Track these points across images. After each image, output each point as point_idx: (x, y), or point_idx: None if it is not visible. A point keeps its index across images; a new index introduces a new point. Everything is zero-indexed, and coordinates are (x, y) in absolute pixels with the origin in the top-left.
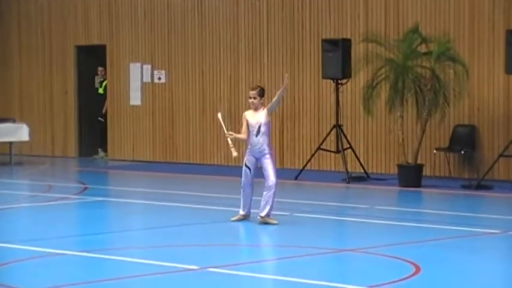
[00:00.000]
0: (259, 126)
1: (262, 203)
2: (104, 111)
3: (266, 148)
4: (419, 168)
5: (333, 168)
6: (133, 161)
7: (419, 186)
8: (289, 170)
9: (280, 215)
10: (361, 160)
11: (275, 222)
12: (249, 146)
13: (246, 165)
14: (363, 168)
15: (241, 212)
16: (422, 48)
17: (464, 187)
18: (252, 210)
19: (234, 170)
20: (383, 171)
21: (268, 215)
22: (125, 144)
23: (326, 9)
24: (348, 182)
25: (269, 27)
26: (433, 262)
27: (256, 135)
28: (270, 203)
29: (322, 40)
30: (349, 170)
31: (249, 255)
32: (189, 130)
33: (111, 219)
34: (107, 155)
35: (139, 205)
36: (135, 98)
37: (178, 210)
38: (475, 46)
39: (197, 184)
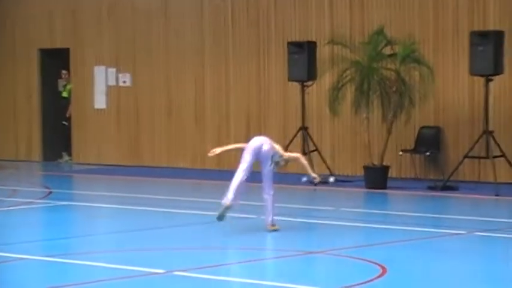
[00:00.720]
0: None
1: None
2: (67, 114)
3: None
4: (385, 169)
5: (299, 171)
6: (98, 164)
7: (385, 187)
8: (256, 173)
9: (246, 218)
10: (327, 162)
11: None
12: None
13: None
14: (329, 170)
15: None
16: (388, 50)
17: (430, 188)
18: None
19: (200, 173)
20: (349, 173)
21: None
22: (90, 148)
23: (291, 12)
24: (315, 184)
25: (234, 30)
26: (400, 263)
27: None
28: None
29: (288, 42)
30: (315, 172)
31: (215, 258)
32: (155, 133)
33: (75, 224)
34: (71, 159)
35: (105, 209)
36: (100, 102)
37: (144, 214)
38: (440, 48)
39: (163, 187)
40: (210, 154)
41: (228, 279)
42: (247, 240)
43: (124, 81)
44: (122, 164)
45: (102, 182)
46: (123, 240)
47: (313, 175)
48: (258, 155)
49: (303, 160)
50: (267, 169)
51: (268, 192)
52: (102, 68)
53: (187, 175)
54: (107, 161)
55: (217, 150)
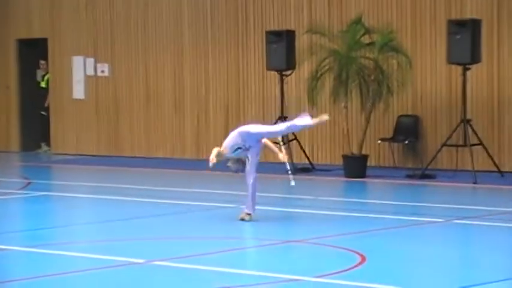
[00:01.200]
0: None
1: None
2: (46, 105)
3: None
4: (364, 158)
5: (278, 160)
6: (77, 154)
7: (364, 176)
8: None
9: (226, 207)
10: (307, 151)
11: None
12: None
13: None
14: (308, 160)
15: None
16: (366, 39)
17: (409, 177)
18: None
19: (179, 162)
20: (328, 162)
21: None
22: (68, 138)
23: (270, 1)
24: (294, 174)
25: (213, 20)
26: (379, 251)
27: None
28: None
29: (266, 32)
30: (295, 161)
31: (195, 248)
32: (134, 123)
33: (55, 214)
34: (50, 149)
35: (84, 199)
36: (78, 92)
37: (124, 204)
38: (418, 37)
39: (142, 177)
40: (211, 163)
41: (208, 268)
42: (227, 229)
43: (102, 71)
44: (100, 154)
45: (81, 172)
46: (102, 230)
47: (280, 154)
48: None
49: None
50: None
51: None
52: (81, 58)
53: (167, 165)
54: (85, 151)
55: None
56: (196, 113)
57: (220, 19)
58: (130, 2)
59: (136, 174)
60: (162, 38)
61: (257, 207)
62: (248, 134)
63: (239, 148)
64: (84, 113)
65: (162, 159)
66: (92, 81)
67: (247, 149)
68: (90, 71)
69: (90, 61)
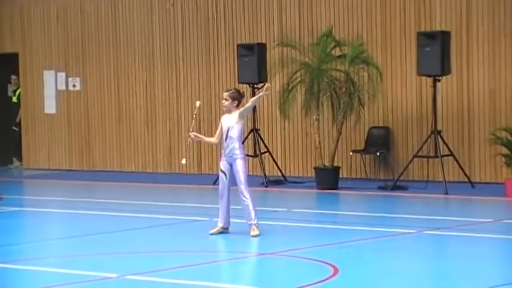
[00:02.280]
0: (228, 130)
1: (246, 212)
2: (17, 120)
3: (236, 152)
4: (335, 170)
5: (251, 172)
6: (49, 169)
7: (336, 188)
8: (208, 175)
9: (199, 220)
10: (279, 163)
11: (255, 233)
12: (222, 151)
13: (221, 170)
14: (281, 172)
15: (219, 224)
16: (337, 52)
17: (380, 188)
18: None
19: (152, 176)
20: (300, 174)
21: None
22: (40, 153)
23: (240, 14)
24: (266, 186)
25: (184, 33)
26: (351, 263)
27: (225, 139)
28: (252, 210)
29: (237, 45)
30: (267, 173)
31: (168, 262)
32: (106, 137)
33: (26, 229)
34: (21, 164)
35: (56, 214)
36: (50, 106)
37: (96, 219)
38: (388, 49)
39: (115, 191)
40: (190, 136)
41: (181, 282)
42: (199, 242)
43: (74, 86)
44: (73, 168)
45: (53, 186)
46: (75, 245)
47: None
48: None
49: (259, 96)
50: (235, 164)
51: (239, 186)
52: (52, 72)
53: (139, 179)
54: (57, 166)
55: (193, 135)
56: (168, 127)
57: (191, 33)
58: (101, 16)
59: (108, 188)
60: (133, 52)
61: (231, 220)
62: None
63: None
64: (56, 127)
65: (134, 173)
66: (63, 96)
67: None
68: (62, 86)
69: (62, 75)
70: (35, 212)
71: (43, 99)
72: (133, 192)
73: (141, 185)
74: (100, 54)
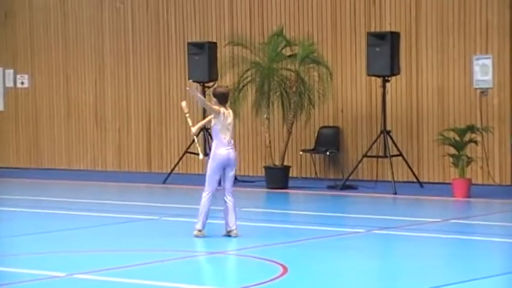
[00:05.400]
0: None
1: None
2: None
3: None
4: (285, 169)
5: (200, 172)
6: None
7: (286, 187)
8: (157, 173)
9: (148, 219)
10: None
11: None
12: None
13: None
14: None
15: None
16: (287, 51)
17: (330, 187)
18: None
19: (101, 175)
20: (250, 173)
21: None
22: None
23: (191, 12)
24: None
25: (134, 31)
26: (301, 262)
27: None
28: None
29: (188, 43)
30: None
31: (117, 261)
32: (54, 135)
33: None
34: None
35: (3, 212)
36: None
37: (45, 217)
38: (338, 49)
39: (63, 189)
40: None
41: (130, 281)
42: (149, 241)
43: (22, 83)
44: (21, 166)
45: (1, 185)
46: (23, 244)
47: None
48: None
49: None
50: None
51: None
52: (0, 69)
53: (88, 177)
54: (5, 164)
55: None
56: (117, 125)
57: (142, 30)
58: (50, 12)
59: (57, 186)
60: (82, 48)
61: (180, 219)
62: None
63: None
64: (4, 125)
65: (83, 171)
66: (11, 93)
67: None
68: (10, 83)
69: (10, 73)
70: None
71: None
72: (82, 190)
73: (90, 183)
74: (49, 51)
